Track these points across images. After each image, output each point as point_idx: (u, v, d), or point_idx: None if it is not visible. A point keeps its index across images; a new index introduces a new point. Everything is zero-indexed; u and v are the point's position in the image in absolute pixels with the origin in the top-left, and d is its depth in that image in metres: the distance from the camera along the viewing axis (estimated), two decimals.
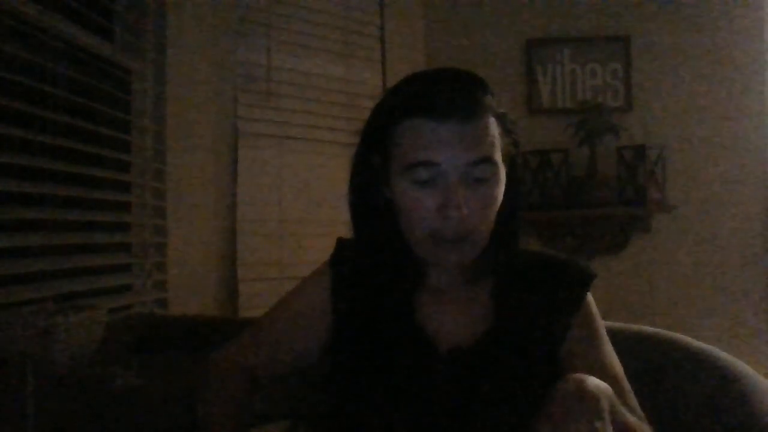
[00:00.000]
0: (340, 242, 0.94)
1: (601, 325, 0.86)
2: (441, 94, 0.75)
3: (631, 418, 0.72)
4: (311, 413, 1.05)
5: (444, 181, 0.75)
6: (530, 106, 2.79)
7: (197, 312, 1.77)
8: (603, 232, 2.71)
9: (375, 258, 0.88)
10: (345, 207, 0.90)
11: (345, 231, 0.97)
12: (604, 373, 0.81)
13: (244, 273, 2.01)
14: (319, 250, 1.03)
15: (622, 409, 0.69)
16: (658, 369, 1.00)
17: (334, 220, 2.16)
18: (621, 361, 0.84)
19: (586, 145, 2.59)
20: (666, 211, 2.69)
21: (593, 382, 0.65)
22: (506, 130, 0.81)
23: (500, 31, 2.81)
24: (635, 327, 1.09)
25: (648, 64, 2.79)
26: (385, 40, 2.47)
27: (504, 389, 0.76)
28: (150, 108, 1.69)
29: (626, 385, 0.82)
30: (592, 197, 2.57)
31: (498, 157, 0.78)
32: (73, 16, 1.40)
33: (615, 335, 0.88)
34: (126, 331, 1.39)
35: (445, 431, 0.75)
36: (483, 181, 0.76)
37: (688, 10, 2.78)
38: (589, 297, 0.86)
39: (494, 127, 0.78)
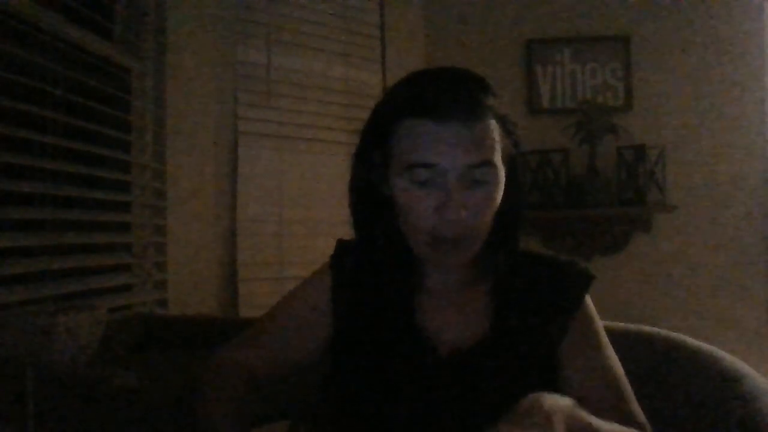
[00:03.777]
0: (340, 243, 0.94)
1: (600, 327, 0.86)
2: (442, 94, 0.75)
3: (609, 431, 0.71)
4: (311, 413, 1.05)
5: (443, 181, 0.75)
6: (530, 106, 2.79)
7: (197, 312, 1.77)
8: (603, 232, 2.71)
9: (375, 258, 0.88)
10: (345, 207, 0.90)
11: (345, 231, 0.97)
12: (604, 375, 0.81)
13: (244, 273, 2.01)
14: (319, 250, 1.03)
15: (597, 426, 0.69)
16: (658, 369, 1.00)
17: (334, 221, 2.16)
18: (621, 361, 0.84)
19: (586, 145, 2.59)
20: (666, 211, 2.69)
21: (551, 399, 0.65)
22: (507, 132, 0.80)
23: (500, 31, 2.81)
24: (635, 327, 1.09)
25: (648, 64, 2.79)
26: (385, 40, 2.47)
27: (503, 391, 0.76)
28: (150, 108, 1.69)
29: (626, 386, 0.82)
30: (592, 197, 2.57)
31: (498, 159, 0.77)
32: (73, 16, 1.40)
33: (615, 335, 0.88)
34: (126, 331, 1.39)
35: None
36: (482, 183, 0.76)
37: (688, 9, 2.78)
38: (588, 299, 0.86)
39: (495, 129, 0.77)
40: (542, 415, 0.63)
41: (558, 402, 0.66)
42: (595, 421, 0.69)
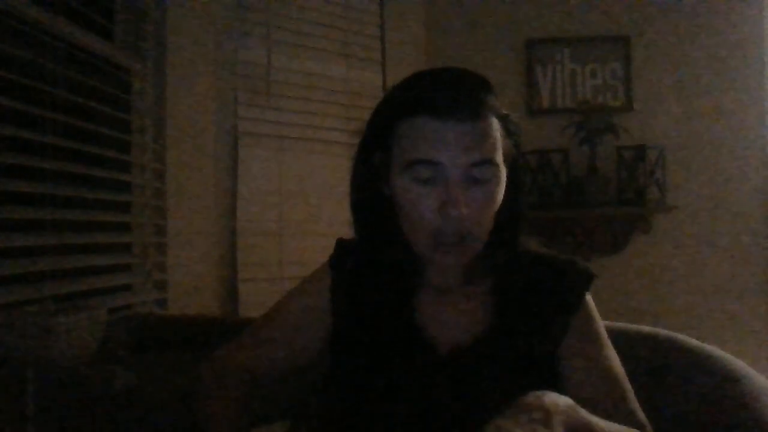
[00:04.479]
0: (340, 243, 0.94)
1: (601, 326, 0.86)
2: (445, 93, 0.75)
3: (609, 430, 0.71)
4: (311, 413, 1.06)
5: (444, 180, 0.75)
6: (530, 106, 2.80)
7: (197, 312, 1.77)
8: (603, 232, 2.71)
9: (375, 257, 0.88)
10: (345, 207, 0.90)
11: (345, 231, 0.97)
12: (604, 374, 0.81)
13: (244, 273, 2.01)
14: (319, 250, 1.03)
15: (597, 425, 0.69)
16: (658, 369, 1.00)
17: (334, 220, 2.16)
18: (621, 361, 0.84)
19: (586, 145, 2.59)
20: (666, 211, 2.70)
21: (550, 397, 0.65)
22: (508, 132, 0.81)
23: (500, 31, 2.82)
24: (635, 327, 1.09)
25: (648, 64, 2.79)
26: (385, 40, 2.47)
27: (503, 389, 0.76)
28: (150, 108, 1.69)
29: (627, 386, 0.82)
30: (592, 197, 2.57)
31: (499, 158, 0.78)
32: (73, 16, 1.40)
33: (615, 335, 0.88)
34: (126, 331, 1.39)
35: (444, 431, 0.75)
36: (483, 181, 0.76)
37: (688, 10, 2.78)
38: (589, 298, 0.86)
39: (496, 128, 0.78)
40: (542, 412, 0.63)
41: (558, 400, 0.66)
42: (595, 421, 0.69)
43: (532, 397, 0.65)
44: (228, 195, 2.01)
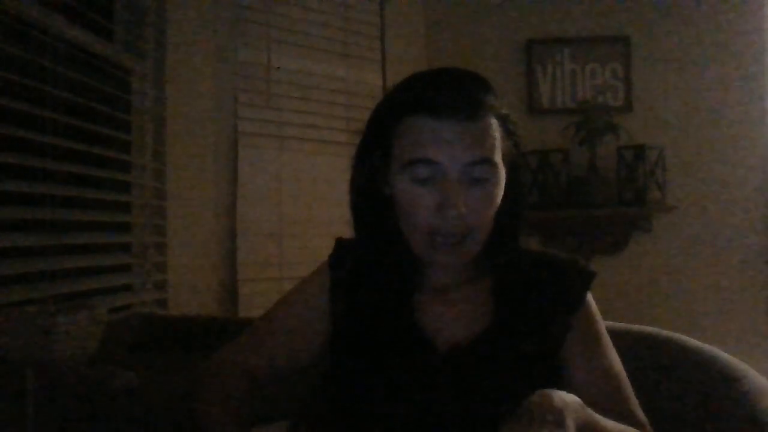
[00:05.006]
0: (339, 242, 0.94)
1: (602, 325, 0.86)
2: (444, 92, 0.75)
3: (612, 428, 0.71)
4: (311, 413, 1.05)
5: (443, 179, 0.75)
6: (530, 106, 2.80)
7: (197, 312, 1.77)
8: (603, 232, 2.72)
9: (374, 257, 0.88)
10: (345, 207, 0.90)
11: (345, 231, 0.97)
12: (605, 373, 0.81)
13: (244, 273, 2.01)
14: (319, 250, 1.03)
15: (600, 423, 0.69)
16: (658, 369, 1.00)
17: (334, 220, 2.16)
18: (621, 361, 0.84)
19: (586, 145, 2.59)
20: (666, 211, 2.70)
21: (559, 396, 0.65)
22: (508, 132, 0.81)
23: (500, 31, 2.82)
24: (635, 327, 1.09)
25: (648, 64, 2.80)
26: (385, 40, 2.47)
27: (503, 388, 0.76)
28: (150, 108, 1.69)
29: (627, 385, 0.82)
30: (592, 197, 2.58)
31: (498, 157, 0.78)
32: (73, 16, 1.40)
33: (615, 335, 0.88)
34: (126, 331, 1.39)
35: (444, 430, 0.75)
36: (482, 181, 0.76)
37: (688, 10, 2.78)
38: (590, 297, 0.86)
39: (496, 128, 0.78)
40: (554, 413, 0.62)
41: (566, 398, 0.65)
42: (601, 420, 0.69)
43: (540, 397, 0.64)
44: (228, 195, 2.01)
